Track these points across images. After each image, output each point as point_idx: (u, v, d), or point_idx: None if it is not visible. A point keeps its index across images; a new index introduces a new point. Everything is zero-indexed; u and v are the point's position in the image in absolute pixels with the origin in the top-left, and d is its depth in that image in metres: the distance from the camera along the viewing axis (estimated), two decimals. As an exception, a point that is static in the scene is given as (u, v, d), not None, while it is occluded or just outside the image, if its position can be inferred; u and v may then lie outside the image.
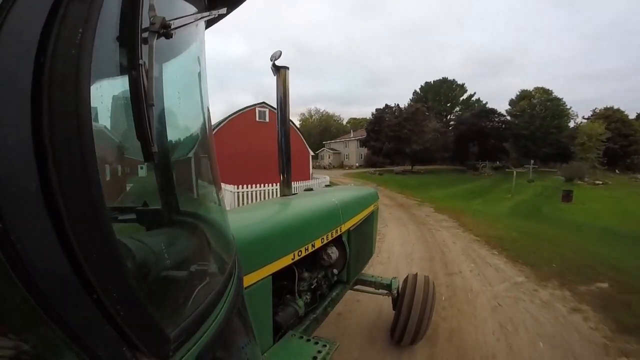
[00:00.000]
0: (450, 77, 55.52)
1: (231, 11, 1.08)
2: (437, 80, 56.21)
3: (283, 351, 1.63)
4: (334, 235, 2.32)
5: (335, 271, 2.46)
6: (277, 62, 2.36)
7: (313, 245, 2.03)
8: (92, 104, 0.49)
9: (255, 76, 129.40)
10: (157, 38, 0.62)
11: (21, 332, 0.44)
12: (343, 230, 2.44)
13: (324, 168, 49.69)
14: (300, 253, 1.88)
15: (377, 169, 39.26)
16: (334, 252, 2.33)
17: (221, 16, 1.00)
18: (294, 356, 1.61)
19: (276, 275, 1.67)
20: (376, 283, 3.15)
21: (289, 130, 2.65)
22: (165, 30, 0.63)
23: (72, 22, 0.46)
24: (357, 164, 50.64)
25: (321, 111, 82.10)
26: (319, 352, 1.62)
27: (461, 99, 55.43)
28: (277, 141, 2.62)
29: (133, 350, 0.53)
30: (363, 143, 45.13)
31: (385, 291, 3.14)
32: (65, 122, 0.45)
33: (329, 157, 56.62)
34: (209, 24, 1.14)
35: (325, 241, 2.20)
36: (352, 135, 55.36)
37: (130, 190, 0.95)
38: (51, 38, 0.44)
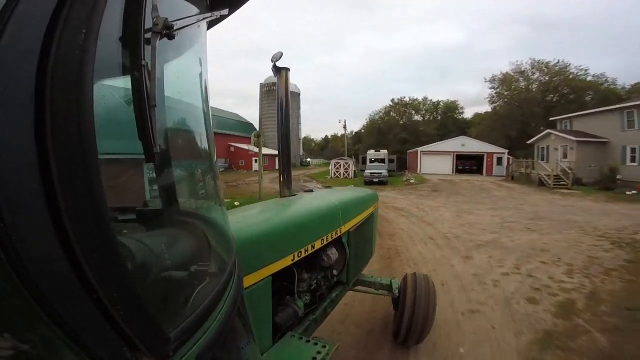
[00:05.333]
0: None
1: (233, 12, 1.08)
2: None
3: (282, 352, 1.62)
4: (334, 236, 2.32)
5: (335, 272, 2.46)
6: (278, 63, 2.36)
7: (313, 247, 2.03)
8: (95, 105, 0.49)
9: (478, 62, 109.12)
10: (160, 39, 0.62)
11: (21, 332, 0.44)
12: (343, 231, 2.44)
13: (544, 185, 18.34)
14: (300, 254, 1.88)
15: None
16: (333, 253, 2.32)
17: (223, 17, 1.00)
18: (294, 357, 1.61)
19: (276, 276, 1.67)
20: (376, 283, 3.15)
21: (289, 131, 2.65)
22: (167, 31, 0.63)
23: (75, 23, 0.47)
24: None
25: (547, 62, 36.12)
26: (319, 352, 1.62)
27: None
28: (277, 141, 2.63)
29: (133, 351, 0.53)
30: None
31: (386, 291, 3.14)
32: (68, 123, 0.45)
33: (563, 153, 21.70)
34: (211, 24, 1.14)
35: (325, 242, 2.20)
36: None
37: (130, 191, 0.95)
38: (54, 39, 0.44)
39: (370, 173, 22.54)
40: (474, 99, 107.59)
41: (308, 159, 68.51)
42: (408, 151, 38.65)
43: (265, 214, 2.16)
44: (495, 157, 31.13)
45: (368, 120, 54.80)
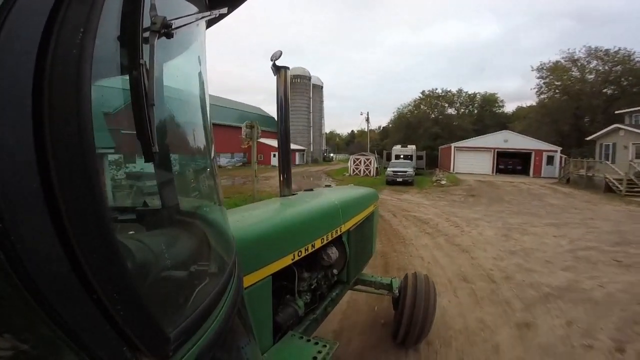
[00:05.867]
0: None
1: (232, 11, 1.07)
2: None
3: (283, 351, 1.63)
4: (334, 236, 2.32)
5: (335, 271, 2.46)
6: (277, 62, 2.35)
7: (313, 246, 2.03)
8: (93, 104, 0.49)
9: (521, 56, 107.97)
10: (158, 38, 0.62)
11: (21, 332, 0.44)
12: (343, 230, 2.44)
13: (613, 191, 14.30)
14: (300, 253, 1.88)
15: None
16: (334, 253, 2.33)
17: (222, 16, 1.00)
18: (294, 356, 1.61)
19: (276, 276, 1.67)
20: (376, 283, 3.15)
21: (289, 130, 2.65)
22: (166, 30, 0.63)
23: (73, 22, 0.46)
24: None
25: (607, 50, 30.17)
26: (319, 352, 1.62)
27: None
28: (277, 141, 2.62)
29: (133, 351, 0.53)
30: None
31: (386, 291, 3.14)
32: (66, 122, 0.45)
33: (636, 153, 18.39)
34: (210, 23, 1.14)
35: (325, 241, 2.20)
36: None
37: (130, 190, 0.95)
38: (52, 38, 0.44)
39: (393, 172, 19.06)
40: (512, 94, 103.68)
41: (332, 154, 66.22)
42: (440, 147, 34.28)
43: (265, 213, 2.16)
44: (545, 155, 25.71)
45: (396, 113, 48.45)
